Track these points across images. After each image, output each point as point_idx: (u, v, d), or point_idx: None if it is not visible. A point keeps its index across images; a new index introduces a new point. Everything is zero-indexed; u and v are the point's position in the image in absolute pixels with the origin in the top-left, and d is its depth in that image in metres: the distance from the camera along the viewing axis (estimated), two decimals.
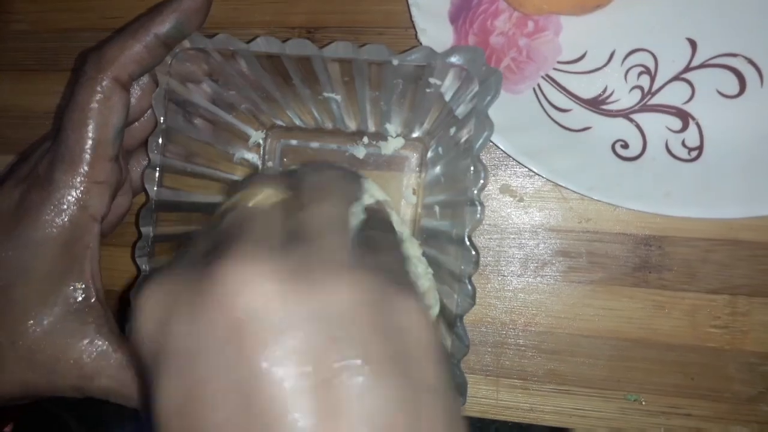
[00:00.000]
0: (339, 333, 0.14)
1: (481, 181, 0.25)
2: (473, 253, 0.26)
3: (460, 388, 0.26)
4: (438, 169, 0.33)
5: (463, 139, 0.28)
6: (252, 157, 0.36)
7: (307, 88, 0.30)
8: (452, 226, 0.28)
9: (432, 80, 0.27)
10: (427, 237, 0.33)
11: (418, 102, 0.30)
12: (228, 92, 0.32)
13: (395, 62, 0.25)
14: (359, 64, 0.26)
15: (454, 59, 0.25)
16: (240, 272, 0.14)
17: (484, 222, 0.35)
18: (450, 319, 0.26)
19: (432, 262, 0.33)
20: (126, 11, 0.39)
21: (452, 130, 0.30)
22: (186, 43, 0.27)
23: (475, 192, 0.25)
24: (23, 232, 0.25)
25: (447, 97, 0.28)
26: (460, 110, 0.28)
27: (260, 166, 0.36)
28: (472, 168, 0.25)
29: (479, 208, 0.25)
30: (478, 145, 0.25)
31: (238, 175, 0.36)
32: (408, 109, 0.31)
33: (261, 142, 0.36)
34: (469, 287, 0.26)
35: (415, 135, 0.34)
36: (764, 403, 0.33)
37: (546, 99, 0.33)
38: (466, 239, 0.26)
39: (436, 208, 0.32)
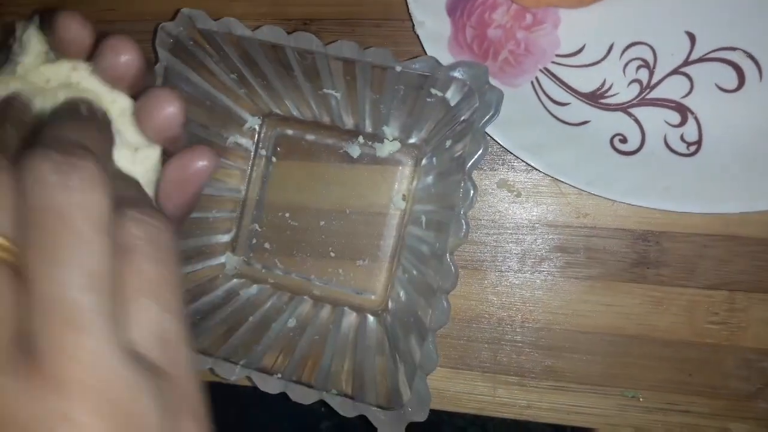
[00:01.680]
0: None
1: (470, 200, 0.25)
2: (452, 270, 0.25)
3: (423, 403, 0.26)
4: (430, 179, 0.33)
5: (457, 154, 0.27)
6: (245, 142, 0.36)
7: (308, 82, 0.30)
8: (436, 239, 0.28)
9: (434, 90, 0.27)
10: (411, 245, 0.33)
11: (417, 109, 0.30)
12: (229, 75, 0.31)
13: (398, 69, 0.25)
14: (362, 65, 0.26)
15: (457, 73, 0.25)
16: None
17: (481, 217, 0.34)
18: (422, 333, 0.26)
19: (412, 272, 0.32)
20: (120, 4, 0.38)
21: (448, 143, 0.29)
22: (191, 22, 0.27)
23: (462, 210, 0.25)
24: None
25: (450, 108, 0.28)
26: (458, 124, 0.28)
27: (253, 152, 0.36)
28: (462, 185, 0.25)
29: (464, 226, 0.25)
30: (471, 163, 0.25)
31: (229, 160, 0.36)
32: (407, 115, 0.31)
33: (257, 128, 0.36)
34: (445, 304, 0.25)
35: (411, 141, 0.34)
36: (762, 400, 0.32)
37: (544, 93, 0.33)
38: (447, 256, 0.25)
39: (423, 218, 0.32)
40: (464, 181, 0.25)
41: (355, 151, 0.35)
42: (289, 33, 0.38)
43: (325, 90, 0.30)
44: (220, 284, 0.34)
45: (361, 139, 0.35)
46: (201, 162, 0.22)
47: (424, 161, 0.34)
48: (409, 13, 0.33)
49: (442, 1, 0.33)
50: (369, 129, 0.34)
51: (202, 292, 0.32)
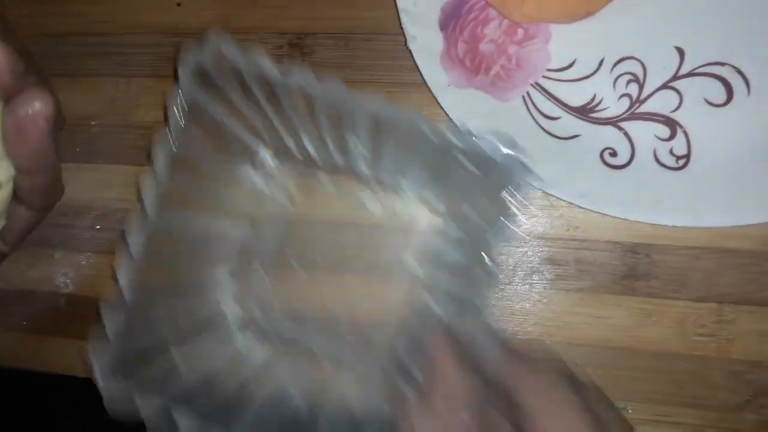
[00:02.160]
0: None
1: (492, 282, 0.23)
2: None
3: None
4: (449, 245, 0.31)
5: (478, 226, 0.26)
6: (255, 176, 0.34)
7: (331, 127, 0.29)
8: (449, 314, 0.26)
9: (460, 157, 0.25)
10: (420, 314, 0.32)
11: (441, 172, 0.28)
12: (247, 105, 0.30)
13: (425, 128, 0.24)
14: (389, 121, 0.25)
15: (483, 143, 0.23)
16: None
17: None
18: None
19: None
20: (114, 16, 0.39)
21: (469, 212, 0.28)
22: (216, 47, 0.26)
23: (486, 294, 0.23)
24: None
25: (475, 177, 0.26)
26: (482, 194, 0.27)
27: (263, 188, 0.34)
28: (483, 267, 0.23)
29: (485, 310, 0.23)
30: (493, 239, 0.23)
31: (239, 196, 0.34)
32: (430, 176, 0.30)
33: (270, 163, 0.34)
34: None
35: (432, 201, 0.33)
36: (750, 411, 0.33)
37: (535, 107, 0.33)
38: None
39: (440, 289, 0.30)
40: (486, 262, 0.23)
41: (369, 201, 0.33)
42: (282, 47, 0.38)
43: (347, 137, 0.29)
44: (223, 338, 0.33)
45: (380, 192, 0.33)
46: (36, 104, 0.21)
47: (443, 225, 0.33)
48: (402, 28, 0.33)
49: (434, 16, 0.33)
50: (389, 183, 0.33)
51: (195, 331, 0.31)
